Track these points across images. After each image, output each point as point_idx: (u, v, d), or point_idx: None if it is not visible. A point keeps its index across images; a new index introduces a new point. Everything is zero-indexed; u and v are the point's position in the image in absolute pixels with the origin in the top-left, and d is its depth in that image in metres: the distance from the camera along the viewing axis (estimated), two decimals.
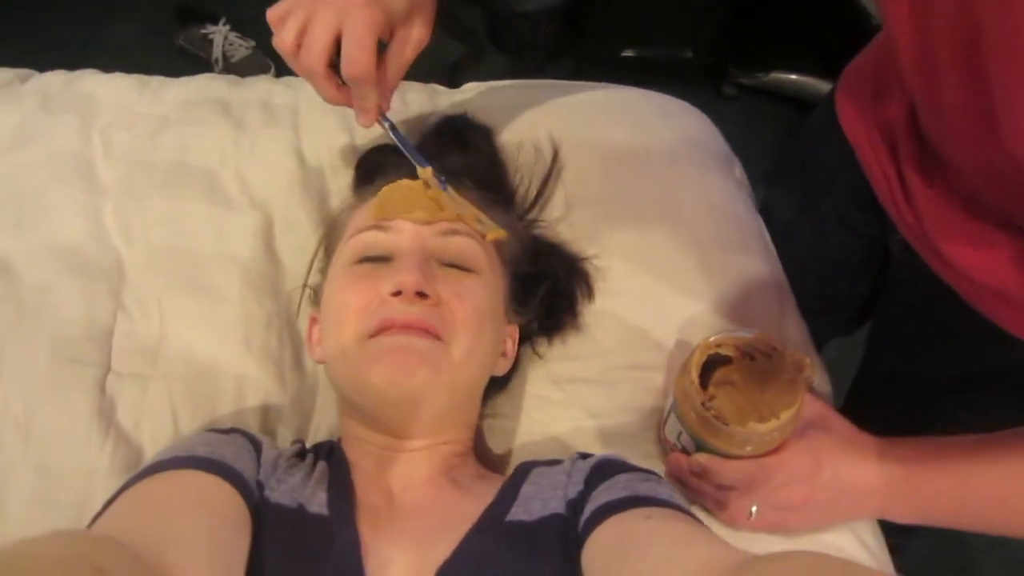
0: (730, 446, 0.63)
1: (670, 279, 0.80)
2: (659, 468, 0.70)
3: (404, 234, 0.65)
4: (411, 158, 0.69)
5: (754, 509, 0.63)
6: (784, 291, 0.84)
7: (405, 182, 0.69)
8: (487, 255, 0.67)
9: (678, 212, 0.84)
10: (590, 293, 0.78)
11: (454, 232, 0.66)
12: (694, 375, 0.63)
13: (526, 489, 0.61)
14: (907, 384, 0.84)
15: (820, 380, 0.79)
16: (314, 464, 0.64)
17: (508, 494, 0.61)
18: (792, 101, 1.99)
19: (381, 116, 0.67)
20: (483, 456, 0.73)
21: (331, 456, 0.65)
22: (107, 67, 1.01)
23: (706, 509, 0.67)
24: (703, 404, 0.62)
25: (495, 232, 0.68)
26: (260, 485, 0.59)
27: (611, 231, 0.82)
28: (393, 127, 0.69)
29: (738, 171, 0.95)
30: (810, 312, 0.83)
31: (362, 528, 0.58)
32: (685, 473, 0.66)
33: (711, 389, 0.65)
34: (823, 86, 1.93)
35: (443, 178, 0.68)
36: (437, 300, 0.61)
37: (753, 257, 0.83)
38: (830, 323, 0.95)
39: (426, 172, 0.68)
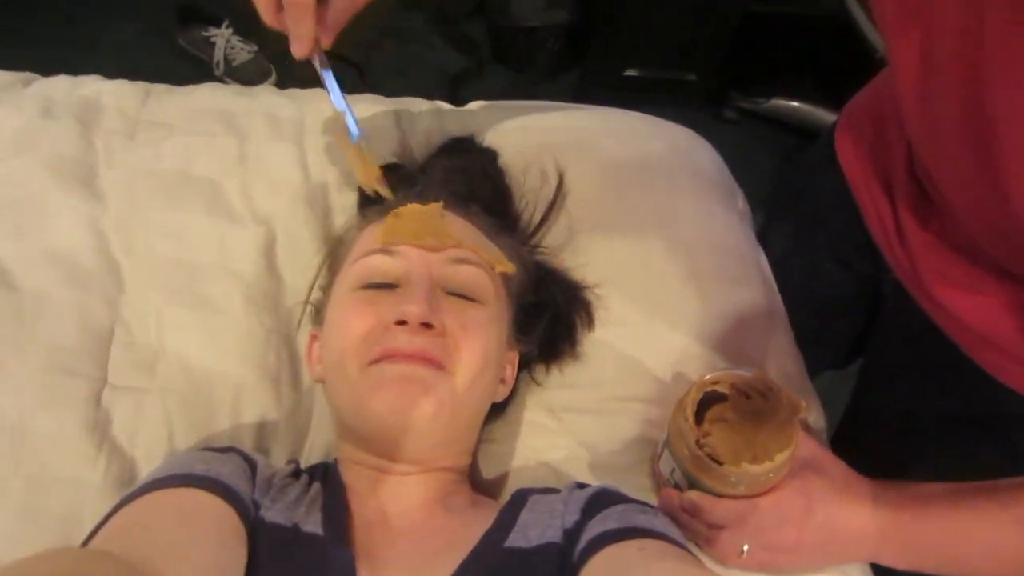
0: (722, 485, 0.63)
1: (670, 311, 0.80)
2: (652, 501, 0.70)
3: (411, 261, 0.64)
4: (335, 106, 0.68)
5: (745, 548, 0.63)
6: (782, 324, 0.84)
7: (414, 207, 0.68)
8: (494, 285, 0.67)
9: (680, 243, 0.84)
10: (590, 322, 0.78)
11: (463, 261, 0.65)
12: (688, 413, 0.63)
13: (524, 516, 0.61)
14: (894, 422, 0.85)
15: (815, 417, 0.79)
16: (308, 484, 0.64)
17: (506, 520, 0.61)
18: (792, 128, 2.01)
19: (318, 51, 0.65)
20: (476, 481, 0.73)
21: (326, 477, 0.65)
22: (107, 67, 1.00)
23: (698, 545, 0.68)
24: (697, 443, 0.62)
25: (504, 265, 0.68)
26: (255, 504, 0.59)
27: (613, 259, 0.82)
28: (325, 66, 0.67)
29: (741, 202, 0.95)
30: (803, 344, 0.84)
31: (357, 551, 0.58)
32: (676, 509, 0.66)
33: (706, 425, 0.65)
34: (823, 114, 1.95)
35: (361, 131, 0.69)
36: (442, 330, 0.61)
37: (753, 290, 0.84)
38: (823, 356, 0.95)
39: (342, 116, 0.68)
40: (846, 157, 0.82)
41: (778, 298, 0.86)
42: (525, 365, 0.75)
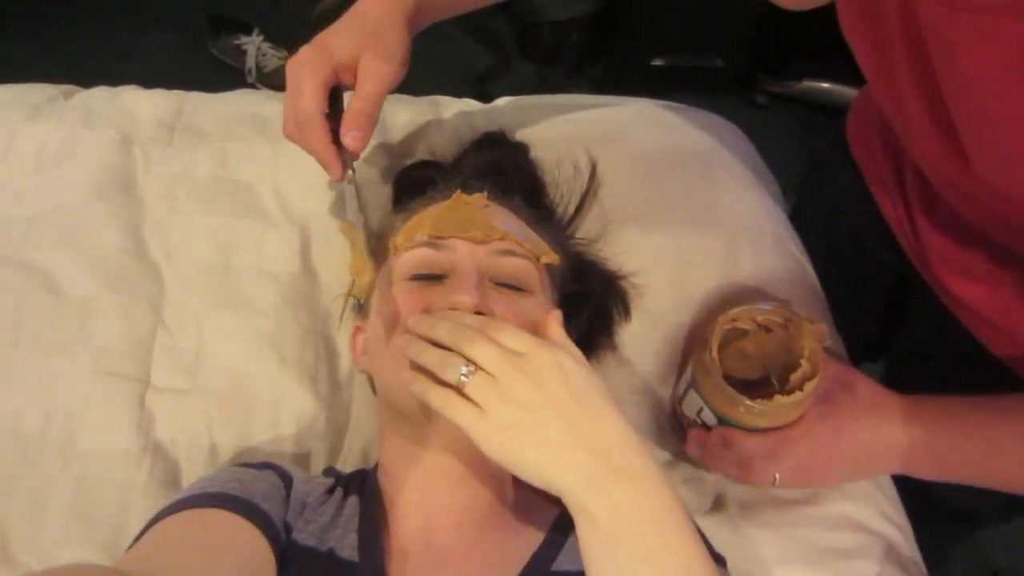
0: (751, 418, 0.64)
1: (706, 299, 0.80)
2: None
3: (458, 253, 0.64)
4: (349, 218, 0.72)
5: (777, 476, 0.65)
6: (820, 309, 0.83)
7: (459, 197, 0.68)
8: (540, 276, 0.67)
9: (714, 231, 0.84)
10: (626, 313, 0.78)
11: (509, 253, 0.65)
12: (714, 351, 0.64)
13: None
14: None
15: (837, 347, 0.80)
16: (344, 498, 0.63)
17: (557, 539, 0.59)
18: (825, 109, 1.97)
19: (348, 166, 0.70)
20: (524, 487, 0.72)
21: (364, 487, 0.64)
22: (143, 77, 1.02)
23: (731, 477, 0.69)
24: (724, 378, 0.64)
25: (549, 255, 0.68)
26: (287, 527, 0.59)
27: (647, 249, 0.82)
28: (351, 181, 0.71)
29: (774, 188, 0.94)
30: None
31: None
32: (707, 445, 0.67)
33: (726, 362, 0.66)
34: (856, 94, 1.91)
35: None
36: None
37: (789, 276, 0.83)
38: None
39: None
40: (859, 150, 0.82)
41: (815, 281, 0.85)
42: None
